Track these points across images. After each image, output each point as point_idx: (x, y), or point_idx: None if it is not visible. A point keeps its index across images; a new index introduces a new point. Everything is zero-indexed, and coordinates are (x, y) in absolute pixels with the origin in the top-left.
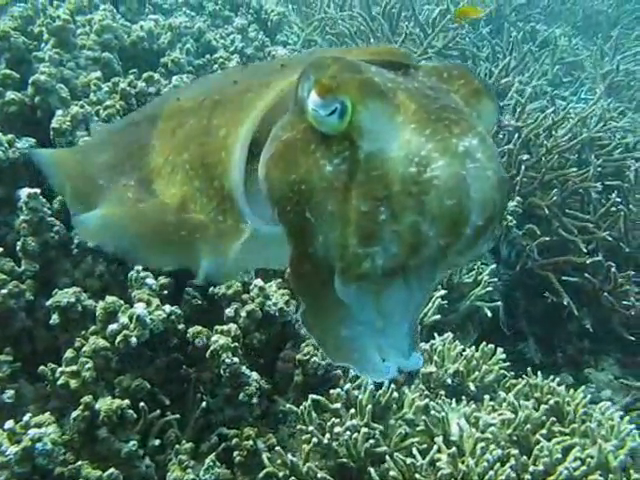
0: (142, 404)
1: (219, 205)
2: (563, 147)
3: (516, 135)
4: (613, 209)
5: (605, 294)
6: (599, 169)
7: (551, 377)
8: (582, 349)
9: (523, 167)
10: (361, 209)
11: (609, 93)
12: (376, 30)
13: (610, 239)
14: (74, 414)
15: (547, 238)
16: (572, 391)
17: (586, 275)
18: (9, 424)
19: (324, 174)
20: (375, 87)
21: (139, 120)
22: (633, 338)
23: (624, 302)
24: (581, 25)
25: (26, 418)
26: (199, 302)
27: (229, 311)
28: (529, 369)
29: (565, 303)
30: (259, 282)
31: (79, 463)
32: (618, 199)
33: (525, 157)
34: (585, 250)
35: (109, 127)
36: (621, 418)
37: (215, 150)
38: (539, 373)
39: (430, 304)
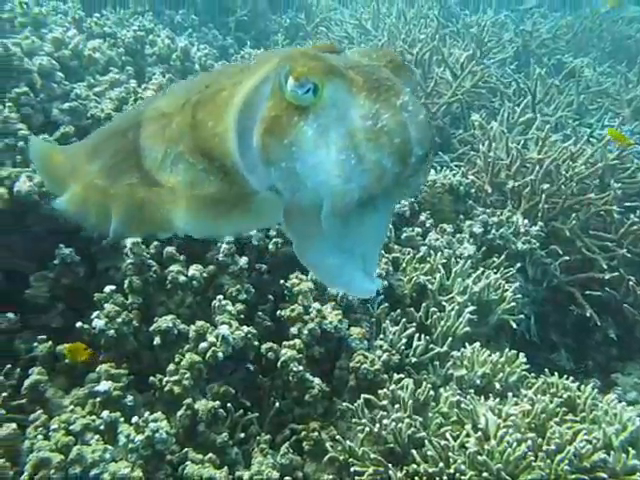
0: (229, 405)
1: (224, 179)
2: (583, 175)
3: (537, 167)
4: (634, 227)
5: (626, 305)
6: (619, 192)
7: (565, 376)
8: (610, 356)
9: (544, 196)
10: (339, 158)
11: (635, 117)
12: None
13: (630, 255)
14: (179, 413)
15: (567, 258)
16: (582, 387)
17: (607, 289)
18: (135, 419)
19: (308, 136)
20: (335, 69)
21: (123, 128)
22: None
23: None
24: (610, 50)
25: (146, 415)
26: (268, 323)
27: (293, 329)
28: (546, 370)
29: (588, 315)
30: (317, 305)
31: (186, 449)
32: (637, 219)
33: (546, 186)
34: (606, 266)
35: (89, 141)
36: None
37: (208, 138)
38: (555, 373)
39: (460, 318)
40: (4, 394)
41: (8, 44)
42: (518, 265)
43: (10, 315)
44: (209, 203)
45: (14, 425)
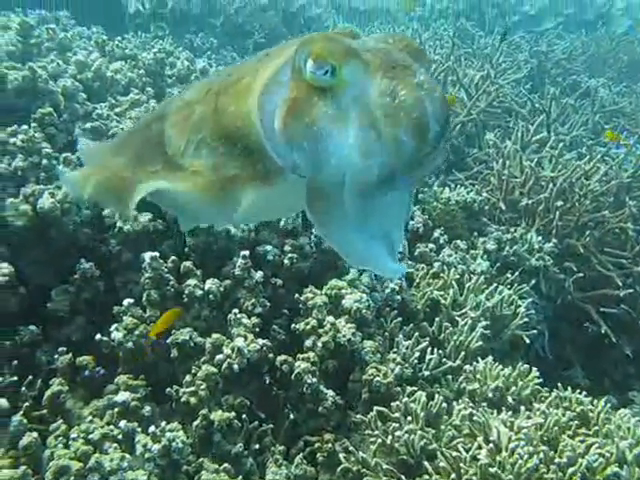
0: (244, 416)
1: (246, 160)
2: (597, 192)
3: (551, 184)
4: None
5: None
6: (634, 209)
7: (578, 390)
8: (627, 374)
9: (558, 213)
10: (358, 135)
11: None
12: None
13: None
14: (195, 423)
15: (581, 274)
16: (595, 401)
17: (623, 306)
18: (152, 429)
19: (328, 116)
20: (352, 50)
21: (148, 123)
22: None
23: None
24: (627, 71)
25: (162, 424)
26: (283, 336)
27: (308, 342)
28: (559, 384)
29: (603, 332)
30: (331, 319)
31: (201, 459)
32: None
33: (559, 203)
34: (621, 284)
35: (118, 138)
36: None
37: (230, 121)
38: (569, 387)
39: (473, 332)
40: (26, 404)
41: (34, 67)
42: (533, 282)
43: (32, 328)
44: (234, 183)
45: (35, 434)
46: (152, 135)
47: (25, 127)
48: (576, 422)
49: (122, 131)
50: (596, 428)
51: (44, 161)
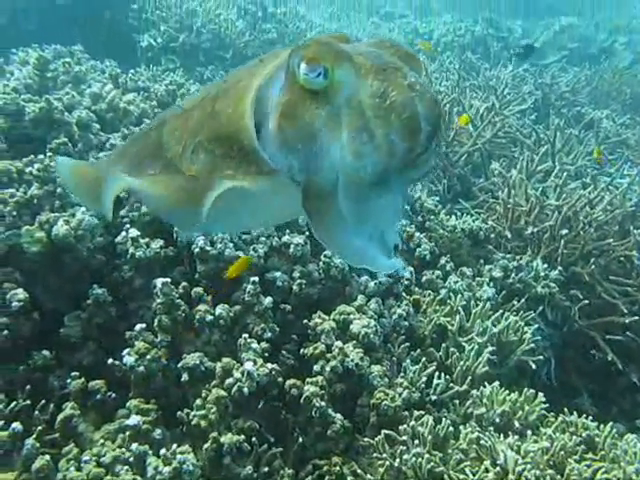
0: (254, 439)
1: (241, 160)
2: (601, 221)
3: (556, 213)
4: None
5: None
6: (639, 238)
7: (584, 415)
8: (635, 402)
9: (563, 241)
10: (350, 136)
11: None
12: None
13: None
14: (205, 445)
15: (587, 302)
16: (602, 426)
17: (629, 334)
18: (163, 451)
19: (321, 117)
20: (345, 53)
21: (147, 130)
22: None
23: None
24: (630, 103)
25: (173, 447)
26: (292, 361)
27: (316, 367)
28: (565, 409)
29: (609, 359)
30: (339, 344)
31: None
32: None
33: (564, 232)
34: (627, 311)
35: (119, 148)
36: None
37: (226, 123)
38: (574, 412)
39: (480, 358)
40: (39, 428)
41: (51, 99)
42: (540, 309)
43: (45, 352)
44: (232, 181)
45: (48, 457)
46: (151, 141)
47: (41, 156)
48: (583, 447)
49: (128, 139)
50: (603, 453)
51: (59, 189)
